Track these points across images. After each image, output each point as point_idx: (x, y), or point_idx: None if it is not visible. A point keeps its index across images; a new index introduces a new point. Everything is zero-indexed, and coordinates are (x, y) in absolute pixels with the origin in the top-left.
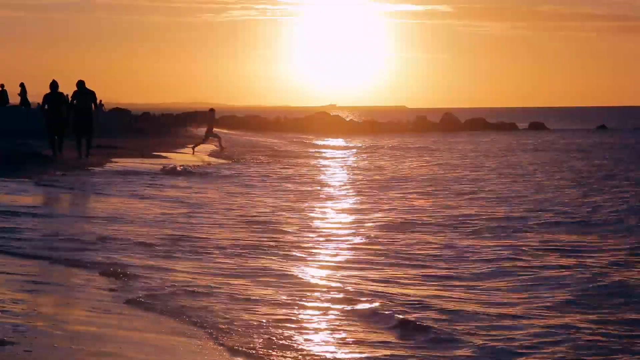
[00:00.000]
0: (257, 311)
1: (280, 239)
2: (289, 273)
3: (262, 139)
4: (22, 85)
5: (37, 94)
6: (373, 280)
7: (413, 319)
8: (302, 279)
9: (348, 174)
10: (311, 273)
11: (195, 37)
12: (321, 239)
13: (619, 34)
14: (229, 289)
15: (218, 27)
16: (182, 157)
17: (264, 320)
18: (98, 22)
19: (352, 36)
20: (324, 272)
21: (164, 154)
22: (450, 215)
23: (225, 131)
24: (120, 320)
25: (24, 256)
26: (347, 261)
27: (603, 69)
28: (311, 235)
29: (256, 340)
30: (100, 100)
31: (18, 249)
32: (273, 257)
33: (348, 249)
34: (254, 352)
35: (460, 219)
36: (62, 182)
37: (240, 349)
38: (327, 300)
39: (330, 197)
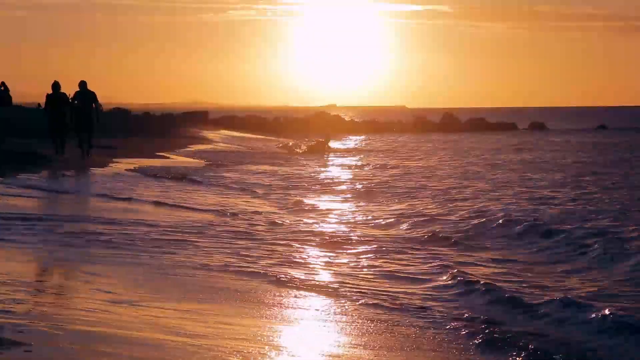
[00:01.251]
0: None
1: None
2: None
3: (261, 142)
4: (3, 83)
5: (37, 94)
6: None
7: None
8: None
9: (353, 175)
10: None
11: (195, 37)
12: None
13: (619, 34)
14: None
15: (218, 27)
16: (182, 159)
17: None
18: (98, 22)
19: (352, 36)
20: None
21: (164, 154)
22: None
23: (226, 132)
24: (121, 320)
25: (25, 255)
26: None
27: (603, 69)
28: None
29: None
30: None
31: (19, 248)
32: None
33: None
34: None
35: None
36: (63, 182)
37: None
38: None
39: (342, 200)
